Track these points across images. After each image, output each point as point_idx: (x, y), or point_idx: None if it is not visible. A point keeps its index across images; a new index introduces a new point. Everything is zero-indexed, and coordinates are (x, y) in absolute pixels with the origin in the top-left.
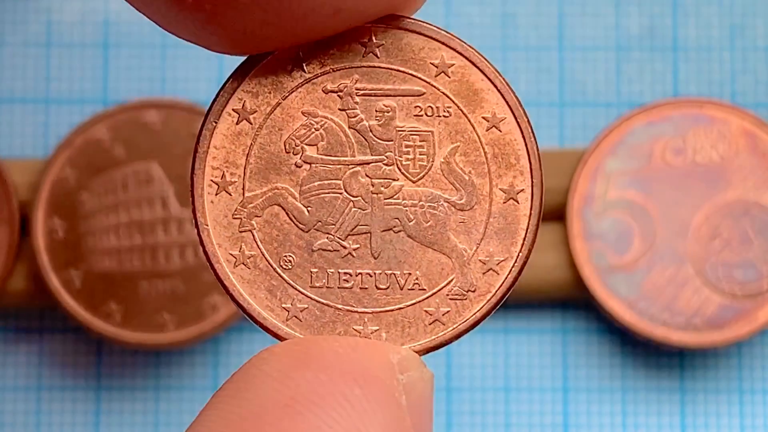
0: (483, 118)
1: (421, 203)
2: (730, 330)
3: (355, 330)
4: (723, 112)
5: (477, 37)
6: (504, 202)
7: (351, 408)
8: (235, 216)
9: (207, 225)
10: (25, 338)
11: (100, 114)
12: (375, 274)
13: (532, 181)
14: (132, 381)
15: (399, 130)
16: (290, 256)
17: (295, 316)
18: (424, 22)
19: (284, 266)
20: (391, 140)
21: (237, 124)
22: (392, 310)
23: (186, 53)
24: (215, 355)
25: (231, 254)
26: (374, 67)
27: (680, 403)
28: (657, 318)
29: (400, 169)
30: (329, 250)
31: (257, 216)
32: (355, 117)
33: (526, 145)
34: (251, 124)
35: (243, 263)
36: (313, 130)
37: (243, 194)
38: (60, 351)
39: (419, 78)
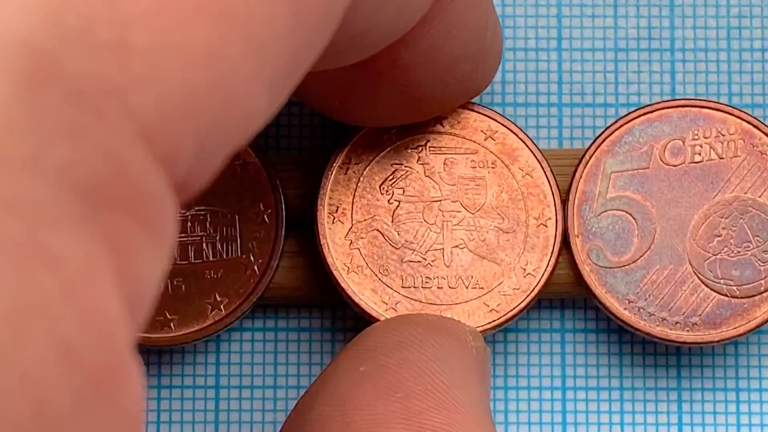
0: (519, 168)
1: (477, 228)
2: (727, 328)
3: None
4: (722, 113)
5: None
6: (537, 227)
7: (440, 348)
8: (347, 238)
9: (327, 245)
10: None
11: None
12: (448, 277)
13: (556, 211)
14: None
15: (461, 177)
16: (387, 266)
17: (392, 308)
18: (474, 102)
19: (383, 273)
20: (455, 184)
21: (345, 173)
22: (461, 303)
23: None
24: (217, 354)
25: (345, 264)
26: (441, 133)
27: (678, 402)
28: (655, 316)
29: (462, 205)
30: (415, 261)
31: (362, 238)
32: (429, 167)
33: (551, 186)
34: (355, 173)
35: (353, 271)
36: (399, 177)
37: (352, 223)
38: None
39: (473, 141)
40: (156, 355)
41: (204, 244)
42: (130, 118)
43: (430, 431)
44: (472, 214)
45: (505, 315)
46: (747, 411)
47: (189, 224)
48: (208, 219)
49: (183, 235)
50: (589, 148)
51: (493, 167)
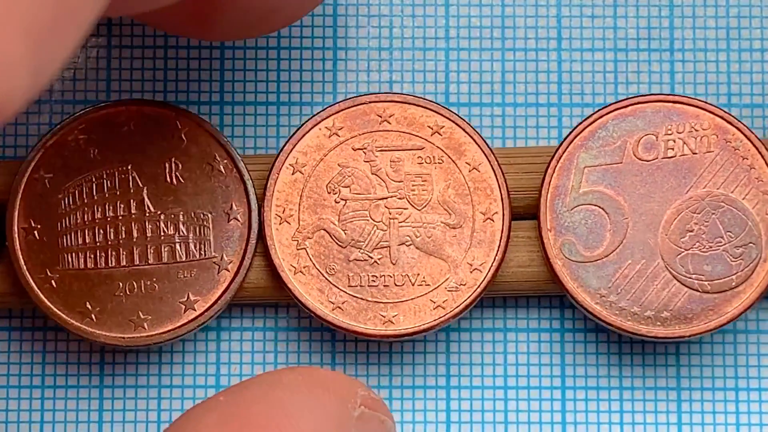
0: (466, 163)
1: (424, 225)
2: (698, 323)
3: (381, 315)
4: (695, 108)
5: (476, 38)
6: (483, 222)
7: (310, 397)
8: (294, 239)
9: (274, 245)
10: (30, 337)
11: (73, 116)
12: (394, 275)
13: (503, 206)
14: (135, 379)
15: (407, 174)
16: (334, 265)
17: (339, 307)
18: (421, 97)
19: (330, 272)
20: (402, 181)
21: (293, 174)
22: (407, 300)
23: (186, 54)
24: (217, 354)
25: (291, 265)
26: (388, 130)
27: (678, 402)
28: (627, 311)
29: (409, 201)
30: (361, 260)
31: (309, 238)
32: (375, 166)
33: (497, 180)
34: (303, 174)
35: (300, 271)
36: (346, 176)
37: (299, 223)
38: (64, 350)
39: (420, 137)
40: (157, 355)
41: (177, 245)
42: None
43: None
44: (419, 210)
45: (451, 311)
46: (746, 411)
47: (162, 225)
48: (181, 219)
49: (156, 235)
50: (562, 142)
51: (440, 163)
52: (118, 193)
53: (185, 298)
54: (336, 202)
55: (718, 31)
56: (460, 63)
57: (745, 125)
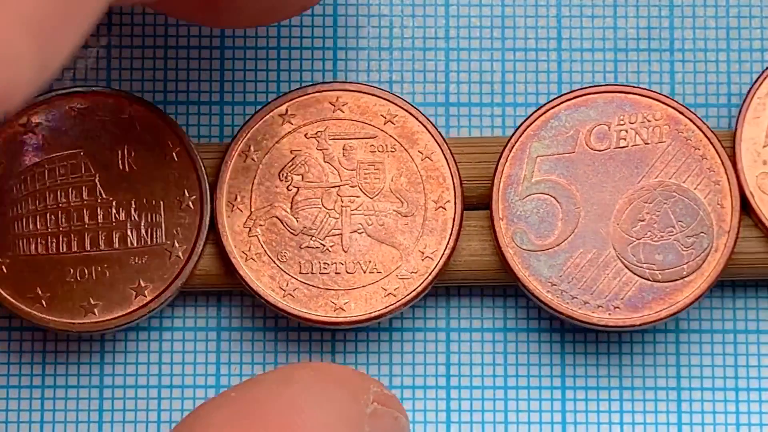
0: (419, 152)
1: (376, 212)
2: (649, 312)
3: (332, 302)
4: (648, 98)
5: (476, 38)
6: (435, 210)
7: (322, 393)
8: (245, 226)
9: (226, 232)
10: (30, 337)
11: (27, 103)
12: (345, 263)
13: (455, 194)
14: (134, 380)
15: (360, 162)
16: (285, 252)
17: (290, 294)
18: (375, 87)
19: (281, 259)
20: (354, 169)
21: (245, 161)
22: (358, 288)
23: (186, 53)
24: (217, 354)
25: (243, 252)
26: (341, 119)
27: (678, 402)
28: (578, 299)
29: (361, 189)
30: (313, 247)
31: (261, 225)
32: (328, 154)
33: (450, 169)
34: (255, 161)
35: (252, 258)
36: (298, 164)
37: (250, 210)
38: (64, 350)
39: (373, 125)
40: (157, 355)
41: (129, 231)
42: None
43: None
44: (371, 198)
45: (402, 299)
46: (746, 411)
47: (114, 211)
48: (133, 205)
49: (107, 222)
50: (515, 132)
51: (392, 151)
52: (70, 179)
53: (136, 285)
54: (288, 190)
55: (718, 31)
56: (460, 63)
57: (697, 116)
